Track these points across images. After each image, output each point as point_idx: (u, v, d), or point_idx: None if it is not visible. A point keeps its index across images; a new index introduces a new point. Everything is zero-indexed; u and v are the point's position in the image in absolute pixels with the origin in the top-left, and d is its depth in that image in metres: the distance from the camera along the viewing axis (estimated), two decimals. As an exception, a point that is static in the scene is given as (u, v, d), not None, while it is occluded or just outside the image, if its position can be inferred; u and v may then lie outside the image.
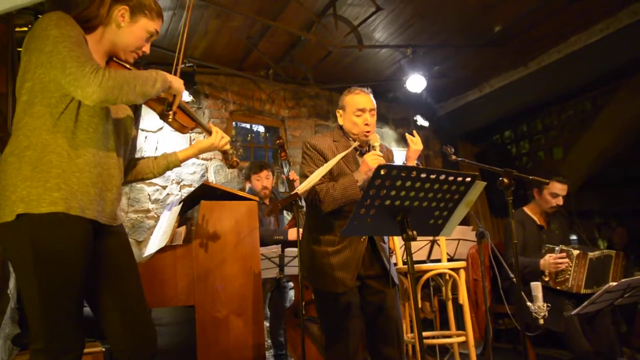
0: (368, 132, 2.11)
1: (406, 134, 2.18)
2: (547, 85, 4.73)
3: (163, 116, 1.64)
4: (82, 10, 1.49)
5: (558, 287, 2.93)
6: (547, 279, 2.97)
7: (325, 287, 2.03)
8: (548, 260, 2.95)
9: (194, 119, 1.73)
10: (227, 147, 1.81)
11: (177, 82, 1.59)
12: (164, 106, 1.61)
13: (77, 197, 1.39)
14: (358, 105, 2.11)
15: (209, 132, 1.79)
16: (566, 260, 2.91)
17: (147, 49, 1.61)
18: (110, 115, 1.53)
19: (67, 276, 1.36)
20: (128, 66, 1.58)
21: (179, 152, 1.80)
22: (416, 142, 2.12)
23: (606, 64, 4.23)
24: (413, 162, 2.17)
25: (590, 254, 2.93)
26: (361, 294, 2.09)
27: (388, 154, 2.28)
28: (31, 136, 1.38)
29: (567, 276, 2.91)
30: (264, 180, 3.62)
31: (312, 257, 2.08)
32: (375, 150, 2.00)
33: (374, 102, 2.16)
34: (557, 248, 2.99)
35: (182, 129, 1.70)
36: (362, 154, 2.13)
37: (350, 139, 2.17)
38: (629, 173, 5.08)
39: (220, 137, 1.78)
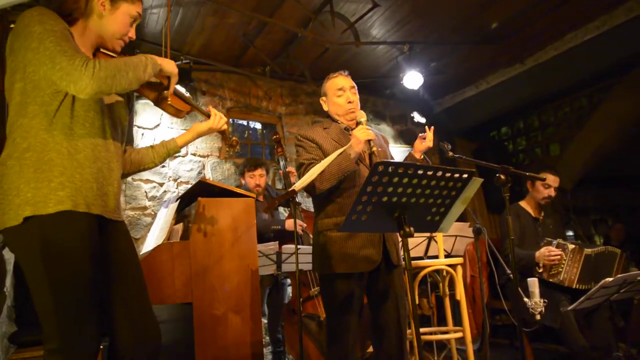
0: (352, 109, 2.16)
1: (426, 127, 2.23)
2: (543, 82, 4.74)
3: (158, 102, 1.63)
4: (60, 4, 1.46)
5: (551, 280, 2.95)
6: (540, 270, 3.00)
7: (352, 269, 2.00)
8: (543, 252, 2.99)
9: (189, 103, 1.73)
10: (225, 127, 1.81)
11: (168, 64, 1.57)
12: (158, 92, 1.60)
13: (82, 194, 1.38)
14: (337, 85, 2.18)
15: (206, 115, 1.79)
16: (559, 253, 2.94)
17: (132, 34, 1.59)
18: (105, 107, 1.52)
19: (77, 272, 1.35)
20: (115, 55, 1.56)
21: (177, 138, 1.80)
22: (430, 139, 2.19)
23: (602, 61, 4.25)
24: (420, 155, 2.20)
25: (587, 250, 2.95)
26: (367, 283, 2.09)
27: (382, 140, 2.31)
28: (28, 137, 1.36)
29: (560, 269, 2.94)
30: (257, 178, 3.61)
31: (330, 245, 2.04)
32: (362, 124, 2.04)
33: (353, 82, 2.22)
34: (554, 242, 3.02)
35: (177, 113, 1.69)
36: None
37: (338, 122, 2.20)
38: (625, 169, 5.11)
39: (218, 119, 1.78)
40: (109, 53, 1.55)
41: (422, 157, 2.22)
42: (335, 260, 2.03)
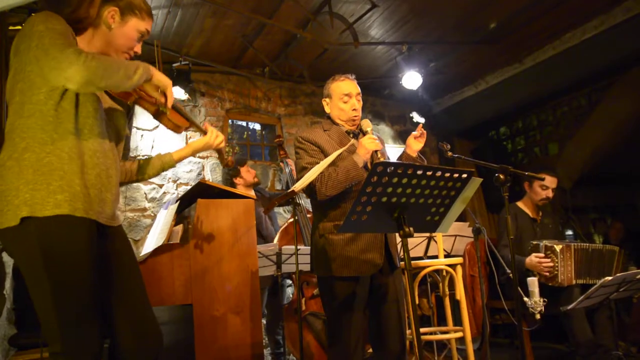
0: (355, 117, 2.15)
1: (421, 125, 2.21)
2: (542, 81, 4.75)
3: (157, 116, 1.63)
4: (71, 11, 1.48)
5: (550, 284, 2.96)
6: (537, 277, 3.00)
7: (355, 273, 1.99)
8: (534, 261, 2.98)
9: (188, 119, 1.73)
10: (222, 145, 1.81)
11: (160, 74, 1.52)
12: (158, 106, 1.59)
13: (80, 199, 1.38)
14: (344, 91, 2.15)
15: (203, 132, 1.80)
16: (549, 261, 2.94)
17: (138, 49, 1.61)
18: (104, 115, 1.53)
19: (79, 276, 1.35)
20: None
21: (173, 153, 1.80)
22: (424, 136, 2.17)
23: (601, 60, 4.25)
24: (415, 154, 2.18)
25: (575, 245, 2.97)
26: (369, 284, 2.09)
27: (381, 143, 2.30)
28: (26, 137, 1.36)
29: (556, 272, 2.94)
30: (247, 174, 3.71)
31: (332, 248, 2.03)
32: (369, 134, 2.04)
33: (359, 87, 2.20)
34: (541, 244, 3.02)
35: (176, 128, 1.69)
36: (354, 137, 2.16)
37: (339, 125, 2.19)
38: (623, 168, 5.11)
39: (214, 137, 1.78)
40: None
41: (417, 155, 2.20)
42: (337, 263, 2.01)
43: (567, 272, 2.93)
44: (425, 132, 2.19)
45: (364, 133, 2.08)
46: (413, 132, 2.20)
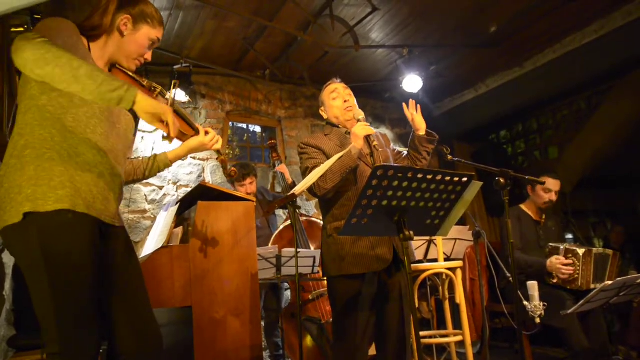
0: (349, 107, 2.19)
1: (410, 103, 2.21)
2: (542, 85, 4.75)
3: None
4: (85, 19, 1.51)
5: (568, 287, 2.98)
6: (555, 280, 3.01)
7: (366, 269, 2.00)
8: (555, 263, 2.99)
9: (193, 127, 1.72)
10: (218, 146, 1.77)
11: (155, 103, 1.34)
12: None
13: (81, 195, 1.39)
14: (331, 90, 2.25)
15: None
16: (571, 262, 2.96)
17: (149, 56, 1.63)
18: (110, 117, 1.53)
19: (79, 275, 1.34)
20: (130, 74, 1.59)
21: (168, 153, 1.81)
22: (413, 108, 2.19)
23: (601, 63, 4.26)
24: (424, 132, 2.19)
25: (594, 250, 3.01)
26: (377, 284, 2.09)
27: (382, 140, 2.31)
28: (25, 134, 1.37)
29: (576, 276, 2.96)
30: (247, 187, 3.64)
31: (340, 247, 2.04)
32: (361, 122, 2.05)
33: (345, 85, 2.28)
34: (561, 247, 3.03)
35: (181, 136, 1.67)
36: None
37: (339, 126, 2.23)
38: (623, 172, 5.11)
39: (210, 138, 1.73)
40: (125, 70, 1.59)
41: (427, 131, 2.19)
42: (347, 262, 2.02)
43: (587, 277, 2.97)
44: (413, 101, 2.19)
45: (358, 121, 2.10)
46: (413, 113, 2.18)
